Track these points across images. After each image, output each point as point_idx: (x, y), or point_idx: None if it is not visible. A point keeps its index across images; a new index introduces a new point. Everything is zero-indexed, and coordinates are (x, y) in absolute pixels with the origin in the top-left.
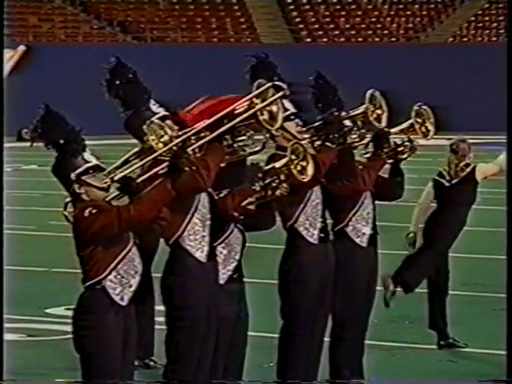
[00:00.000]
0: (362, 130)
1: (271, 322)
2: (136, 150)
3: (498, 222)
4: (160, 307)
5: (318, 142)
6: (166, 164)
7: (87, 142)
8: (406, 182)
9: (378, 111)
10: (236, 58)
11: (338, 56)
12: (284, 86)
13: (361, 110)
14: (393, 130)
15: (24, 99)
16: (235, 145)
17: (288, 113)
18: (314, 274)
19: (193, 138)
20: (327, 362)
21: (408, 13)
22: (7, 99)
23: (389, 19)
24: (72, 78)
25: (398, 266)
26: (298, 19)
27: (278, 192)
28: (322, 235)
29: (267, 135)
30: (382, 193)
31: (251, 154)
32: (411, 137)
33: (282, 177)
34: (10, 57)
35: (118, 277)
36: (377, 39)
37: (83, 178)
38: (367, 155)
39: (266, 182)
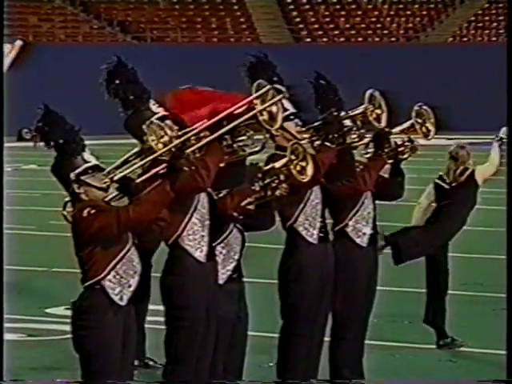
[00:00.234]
0: (362, 130)
1: (271, 322)
2: (136, 150)
3: (498, 221)
4: (160, 307)
5: (318, 142)
6: (165, 164)
7: (87, 142)
8: (406, 182)
9: (378, 111)
10: (236, 57)
11: (337, 56)
12: (283, 88)
13: (360, 109)
14: (393, 130)
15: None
16: (235, 145)
17: (288, 113)
18: (314, 274)
19: (193, 138)
20: (327, 362)
21: (408, 13)
22: (7, 99)
23: (389, 19)
24: (72, 78)
25: (397, 266)
26: (297, 19)
27: (277, 192)
28: (321, 235)
29: (267, 135)
30: (383, 193)
31: (251, 154)
32: (412, 137)
33: (282, 177)
34: (8, 52)
35: (117, 277)
36: (377, 39)
37: (82, 177)
38: (368, 155)
39: (266, 182)
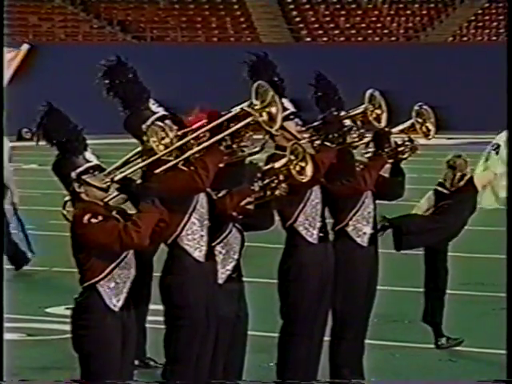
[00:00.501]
0: (362, 130)
1: (271, 322)
2: (137, 150)
3: (498, 221)
4: (159, 306)
5: (318, 142)
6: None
7: (88, 142)
8: (406, 182)
9: (378, 111)
10: (236, 57)
11: (337, 55)
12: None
13: (360, 109)
14: (393, 130)
15: (24, 99)
16: (234, 145)
17: (287, 112)
18: (314, 274)
19: (193, 140)
20: (327, 362)
21: (408, 12)
22: (7, 99)
23: (389, 19)
24: (72, 77)
25: (397, 266)
26: (297, 18)
27: (276, 192)
28: (321, 235)
29: (266, 136)
30: (383, 192)
31: (250, 154)
32: (412, 136)
33: (281, 177)
34: (13, 57)
35: (114, 279)
36: (377, 39)
37: (83, 177)
38: (368, 155)
39: (265, 182)
